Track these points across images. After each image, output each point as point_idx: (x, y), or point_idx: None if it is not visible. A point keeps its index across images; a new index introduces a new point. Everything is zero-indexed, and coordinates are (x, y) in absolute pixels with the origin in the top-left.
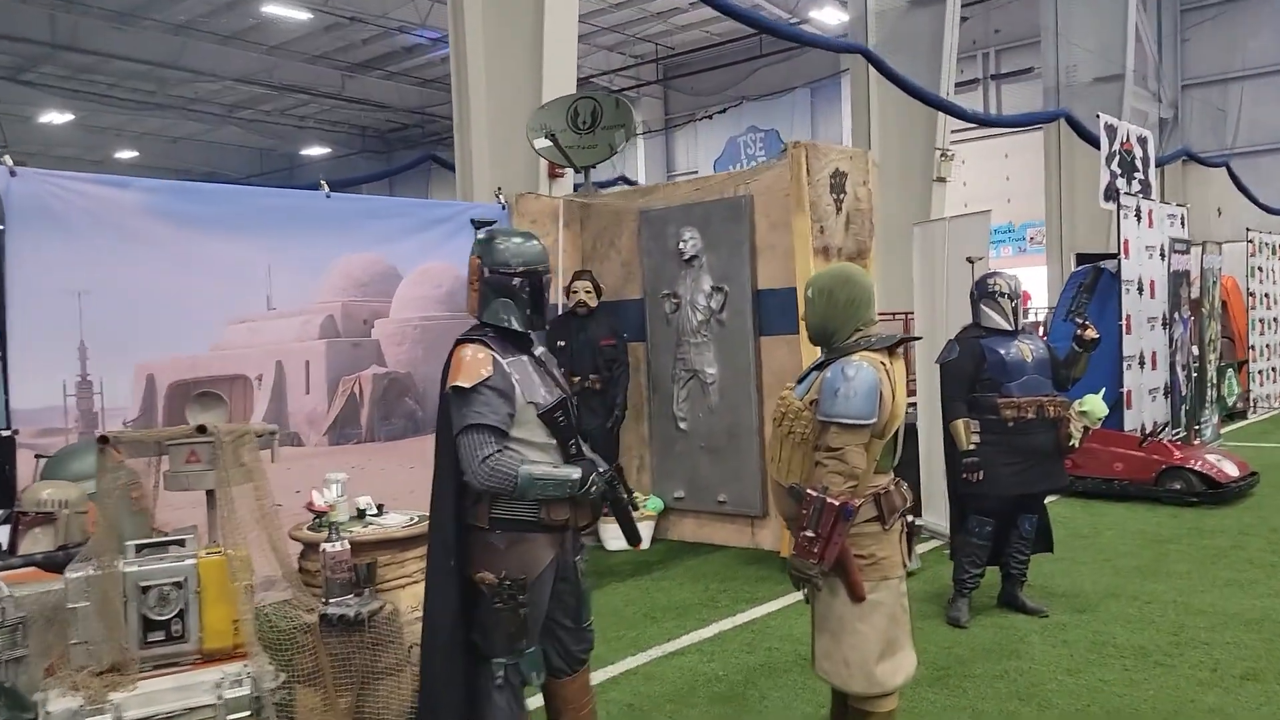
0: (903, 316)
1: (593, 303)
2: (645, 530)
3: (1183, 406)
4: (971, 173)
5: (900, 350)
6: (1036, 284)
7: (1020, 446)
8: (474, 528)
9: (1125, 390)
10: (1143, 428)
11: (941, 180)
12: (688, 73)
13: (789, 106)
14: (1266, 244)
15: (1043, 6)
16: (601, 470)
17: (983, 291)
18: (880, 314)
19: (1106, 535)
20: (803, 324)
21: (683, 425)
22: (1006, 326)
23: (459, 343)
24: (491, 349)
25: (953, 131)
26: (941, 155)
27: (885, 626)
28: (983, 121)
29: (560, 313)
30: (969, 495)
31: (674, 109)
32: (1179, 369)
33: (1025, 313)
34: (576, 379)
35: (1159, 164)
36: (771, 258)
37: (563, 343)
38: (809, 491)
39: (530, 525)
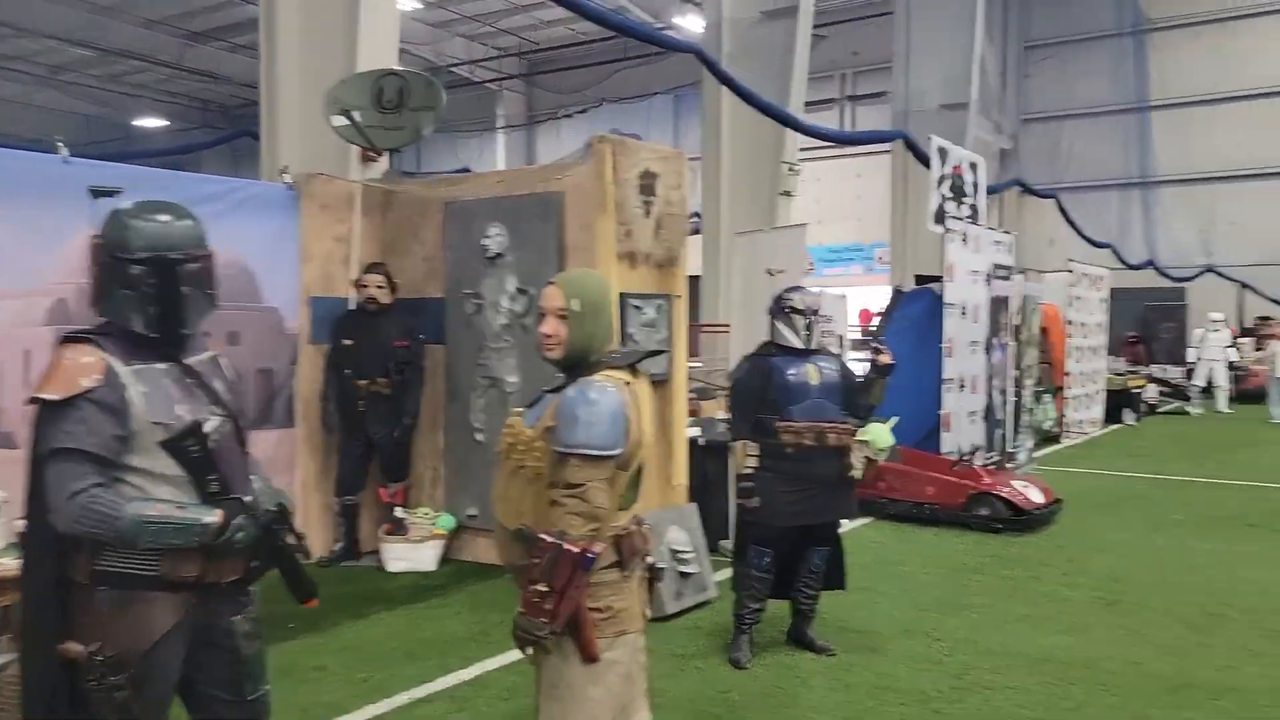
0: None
1: (386, 299)
2: (433, 551)
3: (999, 431)
4: (825, 190)
5: (641, 369)
6: (883, 303)
7: (799, 474)
8: (74, 583)
9: (945, 413)
10: (959, 451)
11: (787, 194)
12: (551, 69)
13: (650, 111)
14: (1085, 275)
15: (896, 33)
16: (257, 514)
17: (778, 308)
18: (710, 325)
19: (912, 563)
20: (552, 345)
21: (480, 437)
22: (799, 345)
23: (63, 341)
24: (105, 351)
25: (807, 149)
26: (789, 169)
27: (620, 689)
28: (823, 136)
29: (349, 308)
30: (748, 524)
31: (538, 105)
32: (996, 393)
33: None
34: (364, 382)
35: (992, 191)
36: (582, 260)
37: (349, 341)
38: (542, 537)
39: (146, 581)
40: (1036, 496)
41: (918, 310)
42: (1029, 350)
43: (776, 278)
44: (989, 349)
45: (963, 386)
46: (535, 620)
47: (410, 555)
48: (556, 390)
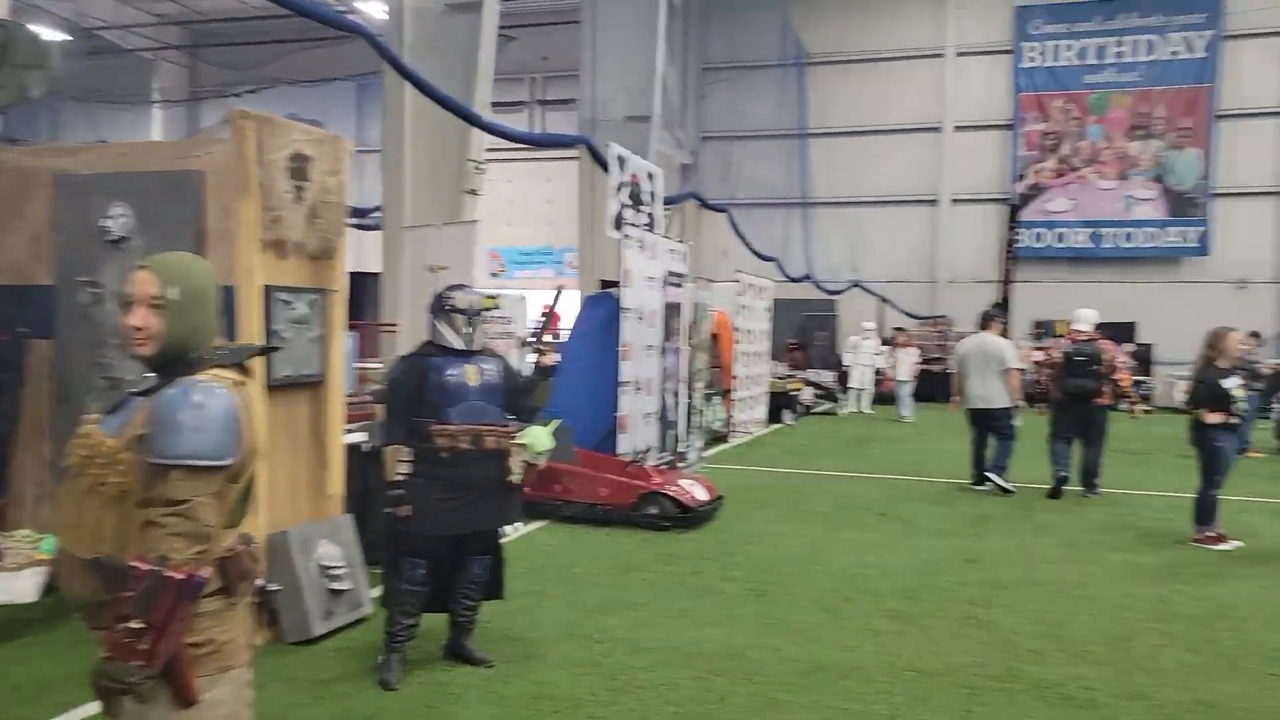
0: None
1: None
2: (34, 579)
3: (671, 431)
4: (517, 193)
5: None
6: (575, 307)
7: (455, 480)
8: None
9: (621, 415)
10: (634, 452)
11: (473, 193)
12: (219, 43)
13: (332, 98)
14: (752, 285)
15: (582, 42)
16: None
17: (439, 306)
18: (385, 324)
19: (582, 564)
20: (142, 340)
21: None
22: (459, 346)
23: None
24: None
25: (497, 150)
26: (475, 168)
27: None
28: (506, 135)
29: None
30: (400, 534)
31: (203, 81)
32: (670, 395)
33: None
34: None
35: (670, 202)
36: (224, 248)
37: None
38: (135, 565)
39: None
40: (701, 494)
41: (600, 314)
42: (700, 354)
43: (439, 274)
44: (663, 353)
45: (639, 389)
46: (127, 665)
47: (6, 585)
48: (146, 393)
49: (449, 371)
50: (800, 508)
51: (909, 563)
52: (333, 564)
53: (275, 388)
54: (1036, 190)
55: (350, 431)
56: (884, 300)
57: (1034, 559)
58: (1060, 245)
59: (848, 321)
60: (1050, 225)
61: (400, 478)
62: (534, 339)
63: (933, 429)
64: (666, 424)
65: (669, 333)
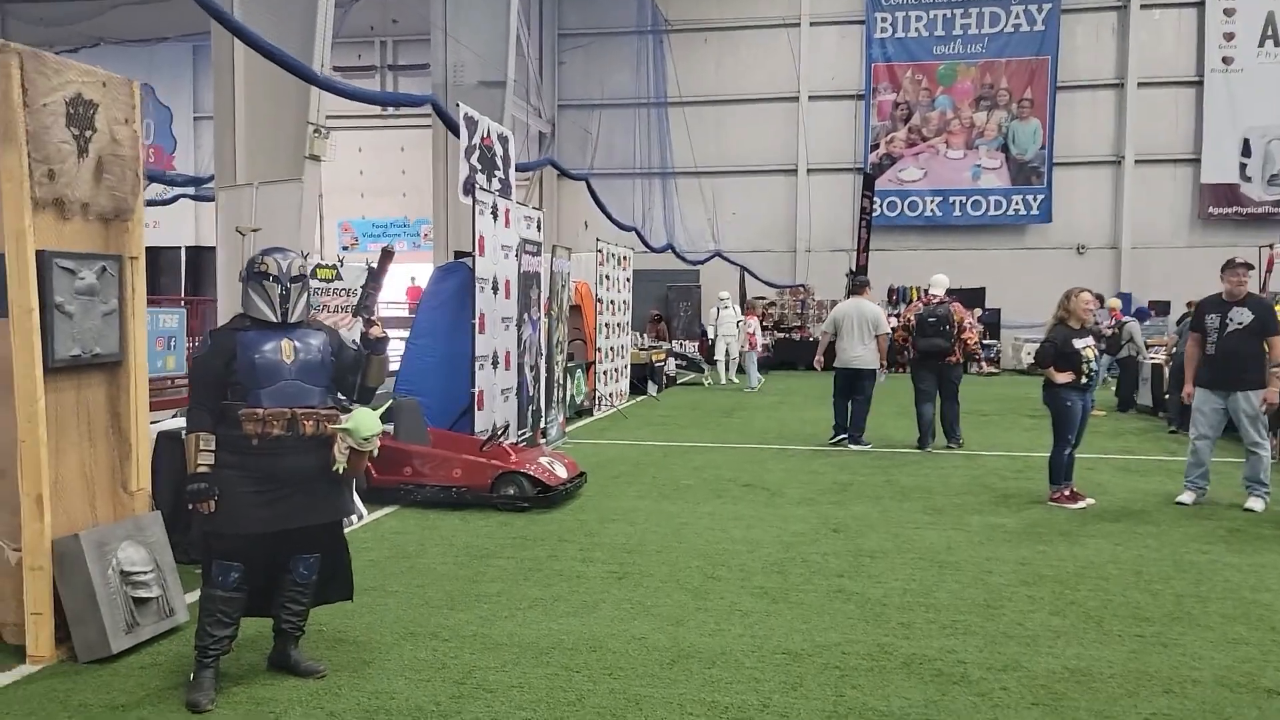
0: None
1: None
2: None
3: (530, 407)
4: (369, 163)
5: None
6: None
7: (267, 471)
8: None
9: (477, 391)
10: (493, 429)
11: (316, 159)
12: None
13: (163, 59)
14: (613, 254)
15: (433, 4)
16: None
17: (249, 273)
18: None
19: (431, 553)
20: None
21: None
22: (273, 318)
23: None
24: None
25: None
26: (315, 132)
27: None
28: (346, 94)
29: None
30: (210, 535)
31: (15, 37)
32: (527, 370)
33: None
34: None
35: (525, 169)
36: None
37: None
38: None
39: None
40: (561, 472)
41: (452, 286)
42: (560, 326)
43: (248, 237)
44: (521, 325)
45: (496, 363)
46: None
47: None
48: None
49: (261, 348)
50: (664, 481)
51: (775, 535)
52: (137, 569)
53: (59, 370)
54: (889, 160)
55: (176, 418)
56: (744, 270)
57: (899, 525)
58: (913, 214)
59: (710, 292)
60: (903, 194)
61: (203, 469)
62: (361, 308)
63: (794, 396)
64: (526, 399)
65: (526, 304)
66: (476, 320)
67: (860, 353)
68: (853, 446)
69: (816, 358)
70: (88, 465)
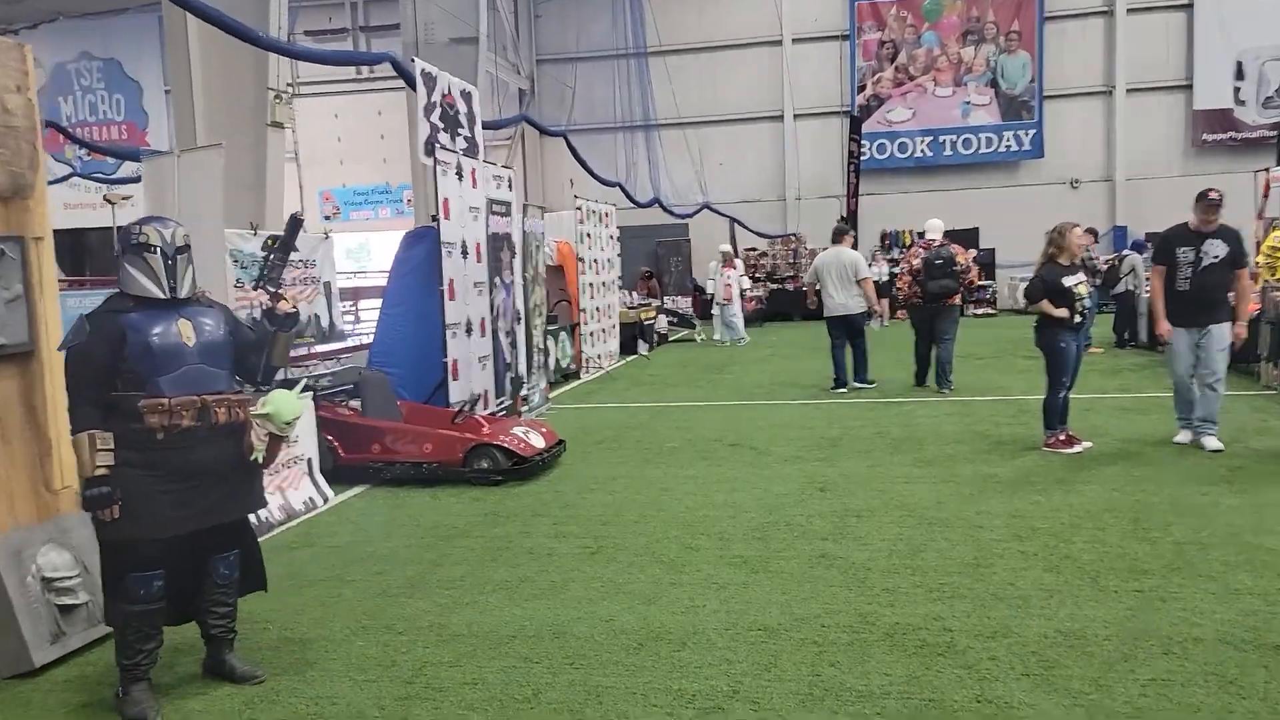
0: None
1: None
2: None
3: (508, 374)
4: (347, 129)
5: None
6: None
7: (179, 466)
8: None
9: (451, 360)
10: (464, 401)
11: (278, 125)
12: None
13: (127, 31)
14: (594, 211)
15: None
16: None
17: (125, 245)
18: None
19: (397, 536)
20: None
21: None
22: (159, 294)
23: None
24: None
25: (318, 82)
26: (276, 97)
27: None
28: (297, 56)
29: None
30: (118, 546)
31: None
32: (502, 335)
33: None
34: None
35: (496, 126)
36: None
37: None
38: None
39: None
40: (538, 441)
41: (421, 252)
42: (537, 288)
43: (120, 205)
44: (493, 289)
45: (470, 331)
46: None
47: None
48: None
49: (155, 330)
50: (648, 445)
51: (759, 497)
52: (60, 574)
53: None
54: (877, 101)
55: None
56: (734, 221)
57: (888, 480)
58: (902, 156)
59: (700, 247)
60: (892, 136)
61: (102, 472)
62: (267, 280)
63: (788, 348)
64: (503, 366)
65: (498, 267)
66: (446, 286)
67: (844, 300)
68: (858, 385)
69: (809, 302)
70: (2, 466)
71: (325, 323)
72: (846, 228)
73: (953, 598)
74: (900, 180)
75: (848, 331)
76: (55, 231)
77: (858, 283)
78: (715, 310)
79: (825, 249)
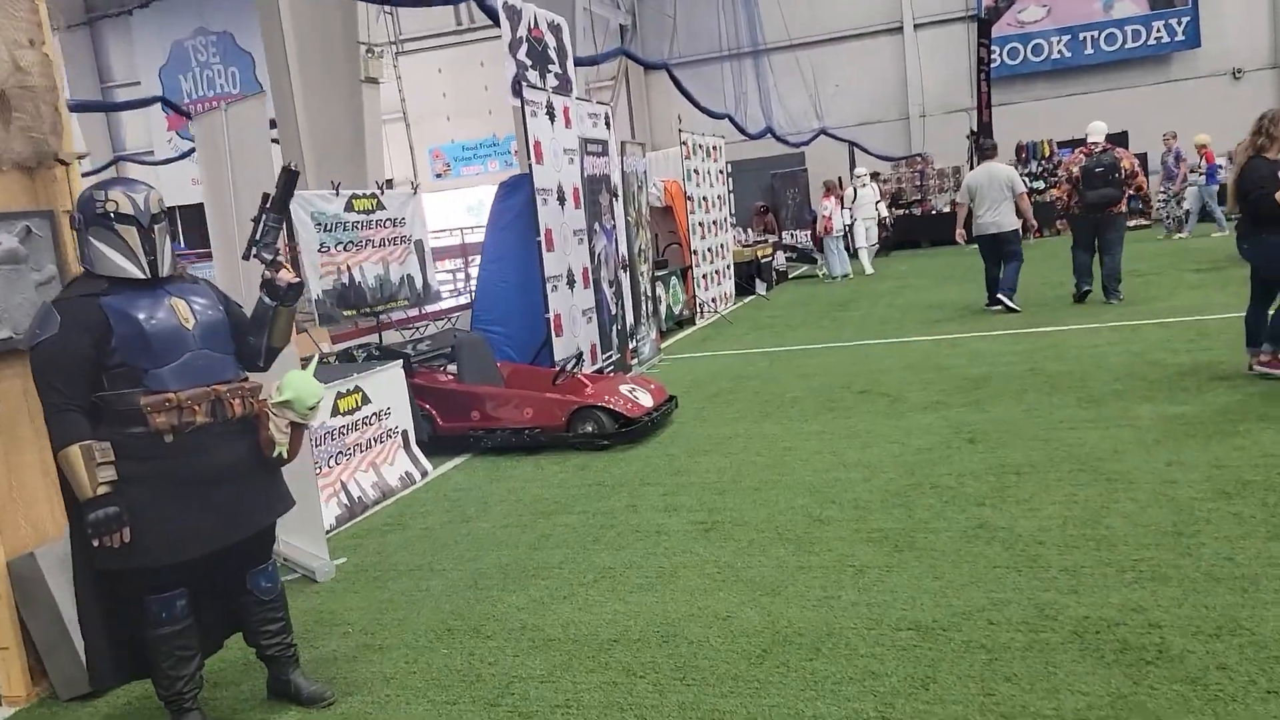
0: None
1: None
2: None
3: (614, 326)
4: (450, 83)
5: None
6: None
7: (194, 473)
8: None
9: (553, 315)
10: (572, 358)
11: (374, 81)
12: None
13: (241, 2)
14: (700, 146)
15: None
16: None
17: (87, 216)
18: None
19: (495, 514)
20: None
21: None
22: (138, 273)
23: None
24: None
25: (416, 38)
26: (368, 51)
27: None
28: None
29: None
30: (128, 573)
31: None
32: (605, 285)
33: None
34: None
35: (591, 62)
36: None
37: None
38: None
39: None
40: (646, 400)
41: (519, 202)
42: (642, 231)
43: (73, 165)
44: (593, 236)
45: (572, 283)
46: None
47: None
48: None
49: (145, 313)
50: (768, 397)
51: (897, 454)
52: None
53: None
54: (1006, 2)
55: None
56: (854, 145)
57: (1049, 427)
58: (1037, 59)
59: (818, 175)
60: (1025, 39)
61: (105, 489)
62: (262, 246)
63: (918, 278)
64: (608, 318)
65: (596, 212)
66: (543, 237)
67: (995, 218)
68: (1003, 300)
69: (957, 230)
70: (44, 470)
71: (419, 285)
72: (993, 143)
73: (1153, 580)
74: (1035, 86)
75: (999, 250)
76: (183, 207)
77: (1015, 199)
78: (861, 242)
79: (956, 169)
